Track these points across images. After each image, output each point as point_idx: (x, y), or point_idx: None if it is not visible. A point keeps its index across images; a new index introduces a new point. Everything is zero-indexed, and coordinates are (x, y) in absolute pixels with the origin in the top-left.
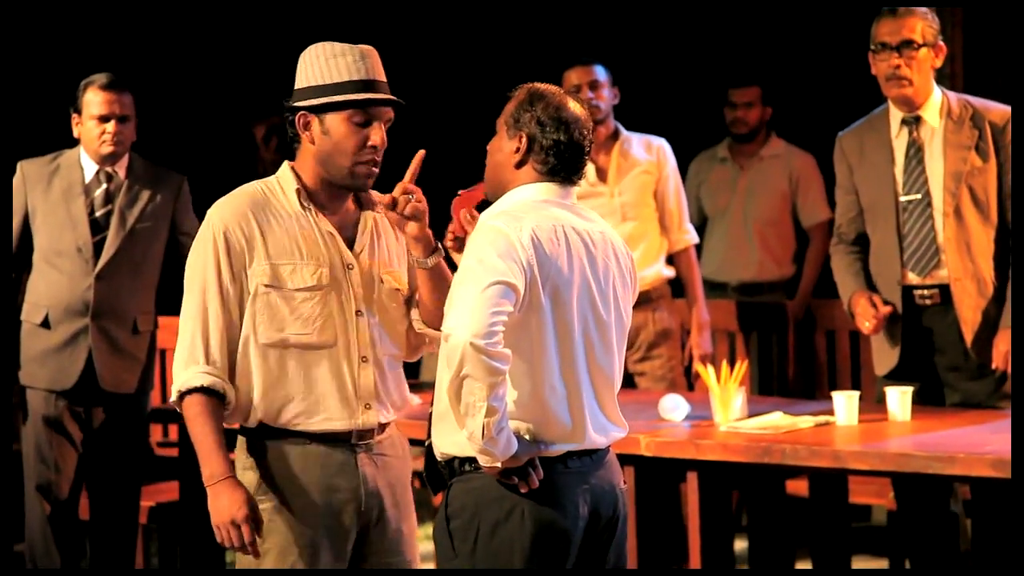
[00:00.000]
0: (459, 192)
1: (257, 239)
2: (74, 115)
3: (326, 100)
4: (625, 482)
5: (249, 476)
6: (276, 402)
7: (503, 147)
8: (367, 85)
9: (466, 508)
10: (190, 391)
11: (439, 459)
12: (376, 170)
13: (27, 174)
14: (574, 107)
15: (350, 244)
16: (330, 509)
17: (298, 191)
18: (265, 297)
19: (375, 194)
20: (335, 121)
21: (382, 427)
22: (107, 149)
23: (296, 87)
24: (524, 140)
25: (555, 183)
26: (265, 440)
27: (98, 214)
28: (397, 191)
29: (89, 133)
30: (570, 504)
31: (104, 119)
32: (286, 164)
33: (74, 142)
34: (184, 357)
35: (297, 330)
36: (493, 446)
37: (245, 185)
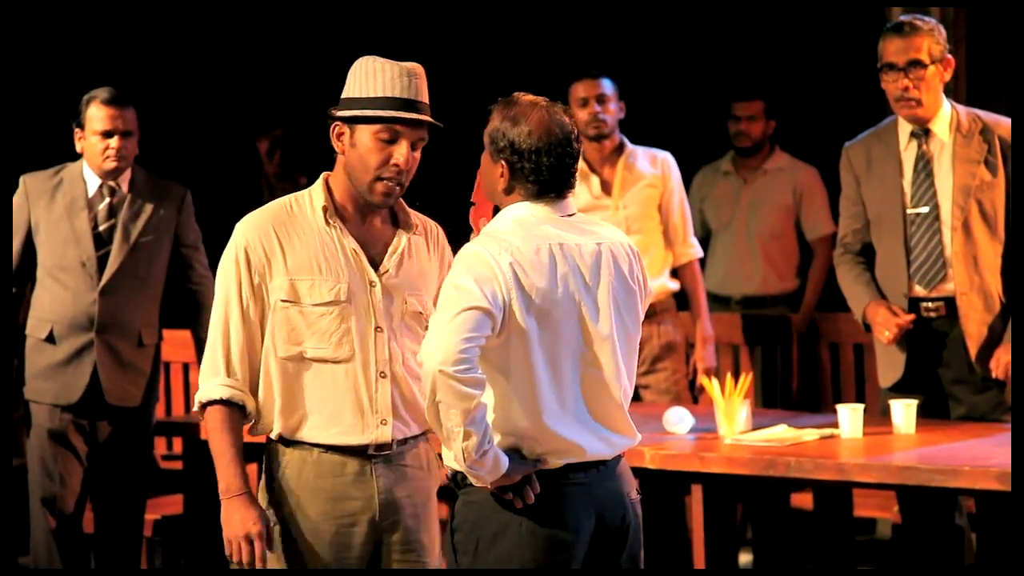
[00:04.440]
0: (472, 201)
1: (278, 254)
2: (77, 130)
3: (356, 113)
4: (639, 491)
5: (267, 482)
6: (294, 415)
7: (491, 170)
8: (401, 103)
9: (467, 521)
10: (210, 403)
11: (447, 473)
12: (399, 189)
13: (30, 188)
14: (554, 126)
15: (378, 262)
16: (343, 517)
17: (324, 208)
18: (284, 312)
19: (414, 215)
20: (364, 134)
21: (404, 440)
22: (110, 164)
23: (341, 97)
24: (505, 168)
25: (546, 201)
26: (283, 448)
27: (101, 228)
28: None
29: (92, 148)
30: (570, 517)
31: (107, 134)
32: (322, 177)
33: (76, 155)
34: (207, 369)
35: (313, 344)
36: (479, 468)
37: (276, 199)
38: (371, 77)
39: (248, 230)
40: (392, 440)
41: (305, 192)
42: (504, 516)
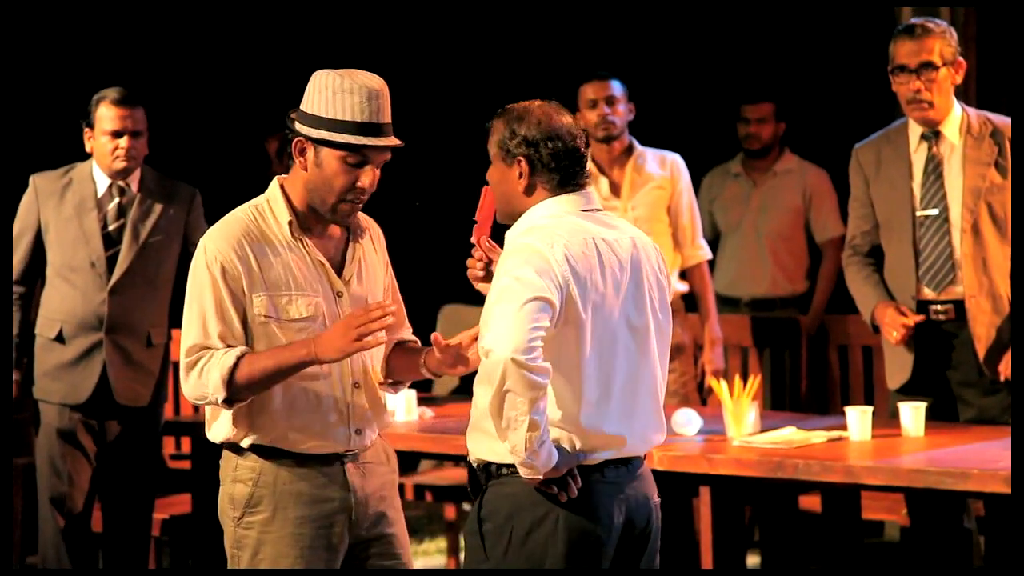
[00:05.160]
0: (475, 219)
1: (254, 269)
2: (86, 129)
3: (324, 136)
4: (659, 495)
5: (239, 488)
6: (269, 425)
7: (507, 177)
8: (368, 128)
9: (500, 511)
10: (234, 365)
11: (474, 464)
12: (359, 207)
13: (39, 188)
14: (557, 116)
15: (339, 269)
16: (321, 519)
17: (290, 223)
18: (263, 327)
19: (362, 218)
20: (329, 157)
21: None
22: (120, 164)
23: (301, 107)
24: (524, 164)
25: (572, 193)
26: (256, 456)
27: (111, 228)
28: (469, 339)
29: (102, 148)
30: (605, 514)
31: (117, 134)
32: (276, 183)
33: (86, 155)
34: (194, 370)
35: None
36: (535, 459)
37: (235, 211)
38: (338, 98)
39: (221, 244)
40: (366, 446)
41: (262, 201)
42: (543, 508)
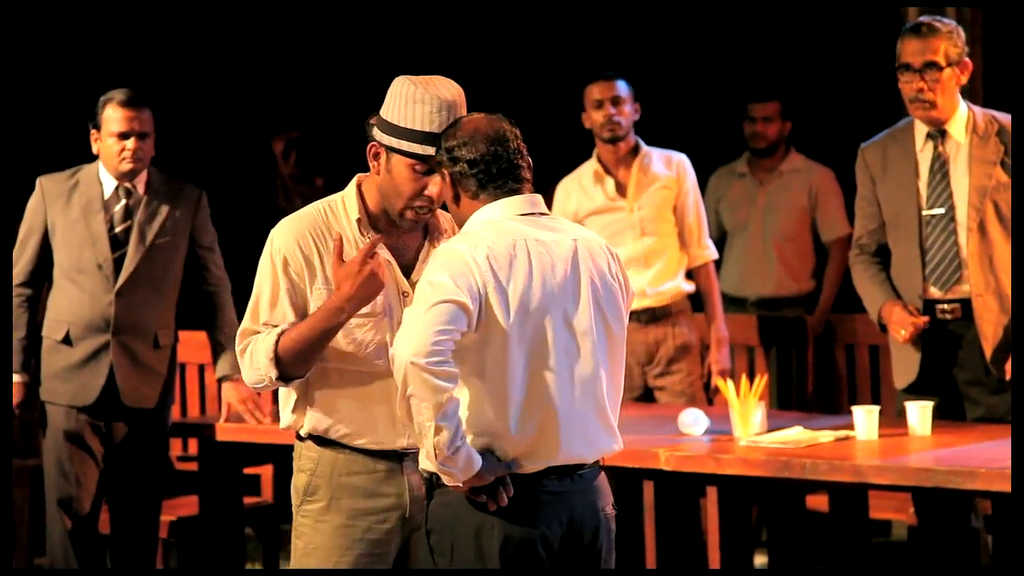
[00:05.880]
0: None
1: (316, 262)
2: (93, 131)
3: (393, 143)
4: (614, 506)
5: (300, 477)
6: (327, 419)
7: (443, 190)
8: (439, 137)
9: (441, 522)
10: (276, 341)
11: (423, 474)
12: (428, 216)
13: (46, 190)
14: (486, 124)
15: (409, 270)
16: (375, 514)
17: (359, 220)
18: None
19: (442, 217)
20: (399, 164)
21: None
22: (127, 166)
23: (380, 112)
24: (447, 176)
25: (506, 197)
26: (315, 445)
27: (118, 230)
28: None
29: (109, 150)
30: (542, 524)
31: (124, 136)
32: (355, 181)
33: (93, 157)
34: (245, 355)
35: (349, 354)
36: (450, 465)
37: (309, 206)
38: (410, 106)
39: (287, 236)
40: None
41: (338, 198)
42: (476, 517)
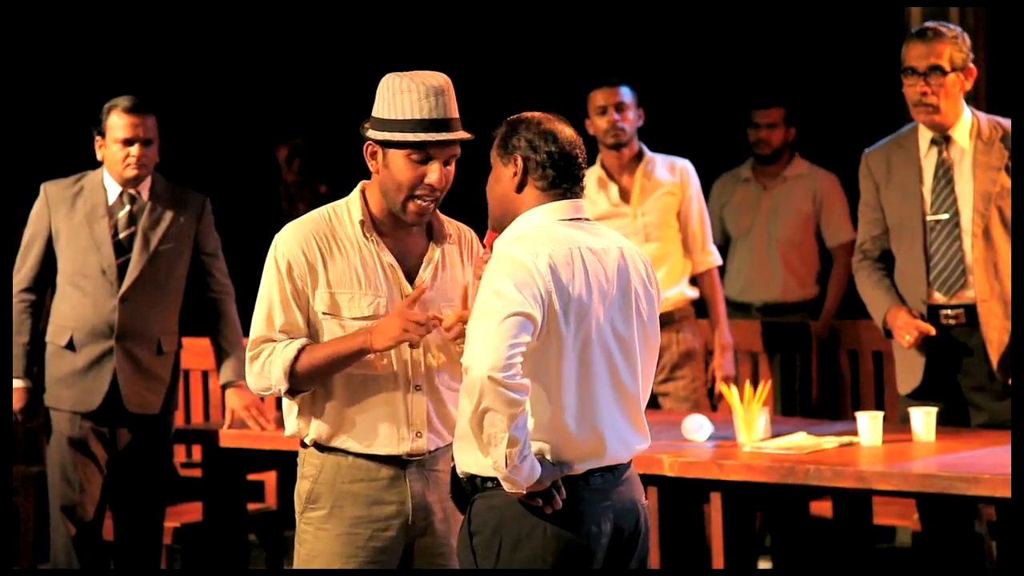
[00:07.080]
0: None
1: (319, 266)
2: (97, 137)
3: (386, 136)
4: (647, 498)
5: (303, 484)
6: (330, 423)
7: (501, 176)
8: (430, 124)
9: (488, 524)
10: (295, 357)
11: (461, 477)
12: (432, 206)
13: (50, 196)
14: (560, 125)
15: (413, 274)
16: (377, 522)
17: (362, 222)
18: (326, 324)
19: (447, 223)
20: (395, 156)
21: (437, 448)
22: (131, 172)
23: (371, 114)
24: (519, 161)
25: (561, 200)
26: (318, 452)
27: (122, 236)
28: (454, 320)
29: (113, 156)
30: (592, 522)
31: (128, 142)
32: (359, 187)
33: (97, 163)
34: (257, 362)
35: None
36: (517, 474)
37: (313, 211)
38: (398, 97)
39: (290, 241)
40: (426, 451)
41: (343, 203)
42: (529, 521)
